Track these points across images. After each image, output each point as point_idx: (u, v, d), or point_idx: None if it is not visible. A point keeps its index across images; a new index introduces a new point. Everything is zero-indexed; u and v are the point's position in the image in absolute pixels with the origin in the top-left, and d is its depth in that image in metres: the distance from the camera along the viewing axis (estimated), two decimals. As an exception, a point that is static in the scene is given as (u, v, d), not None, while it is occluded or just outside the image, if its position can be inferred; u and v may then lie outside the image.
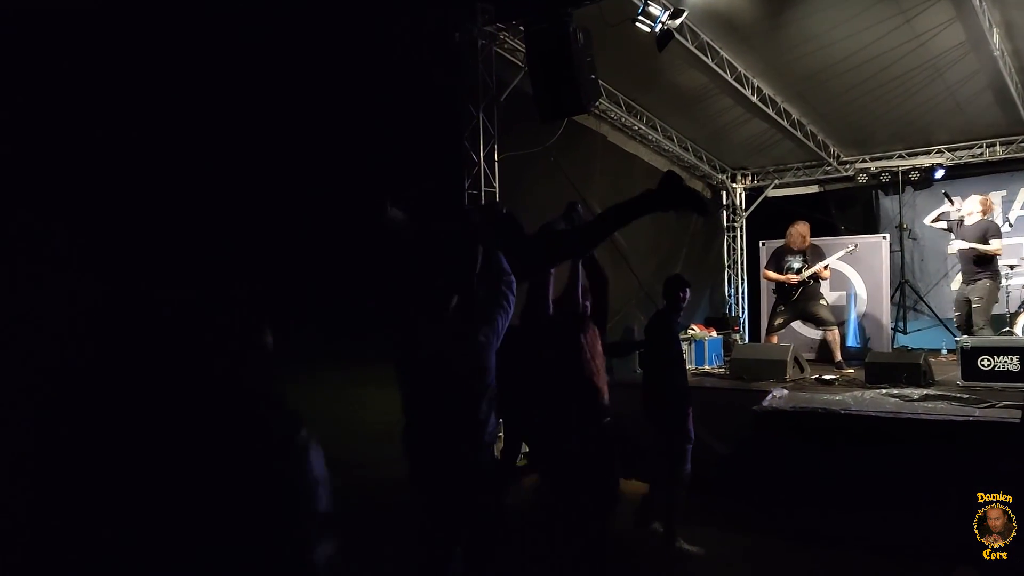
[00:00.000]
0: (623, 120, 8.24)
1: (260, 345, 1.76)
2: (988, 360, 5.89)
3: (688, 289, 4.52)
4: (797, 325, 8.21)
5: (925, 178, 9.36)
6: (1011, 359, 5.78)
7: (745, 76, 7.45)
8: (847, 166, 9.93)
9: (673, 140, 9.13)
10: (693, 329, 8.49)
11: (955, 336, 7.56)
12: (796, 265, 7.48)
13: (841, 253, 8.04)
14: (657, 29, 5.87)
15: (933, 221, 7.68)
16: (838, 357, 7.41)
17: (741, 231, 11.21)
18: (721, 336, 8.78)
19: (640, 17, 5.82)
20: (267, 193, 5.23)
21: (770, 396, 5.52)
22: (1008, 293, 7.86)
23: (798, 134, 8.74)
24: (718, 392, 6.37)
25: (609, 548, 3.56)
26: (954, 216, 7.39)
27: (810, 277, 7.40)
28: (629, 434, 4.44)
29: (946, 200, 7.55)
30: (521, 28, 6.34)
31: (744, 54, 7.15)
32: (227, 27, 4.69)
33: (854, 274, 9.11)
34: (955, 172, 9.34)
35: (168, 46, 4.33)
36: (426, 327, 2.76)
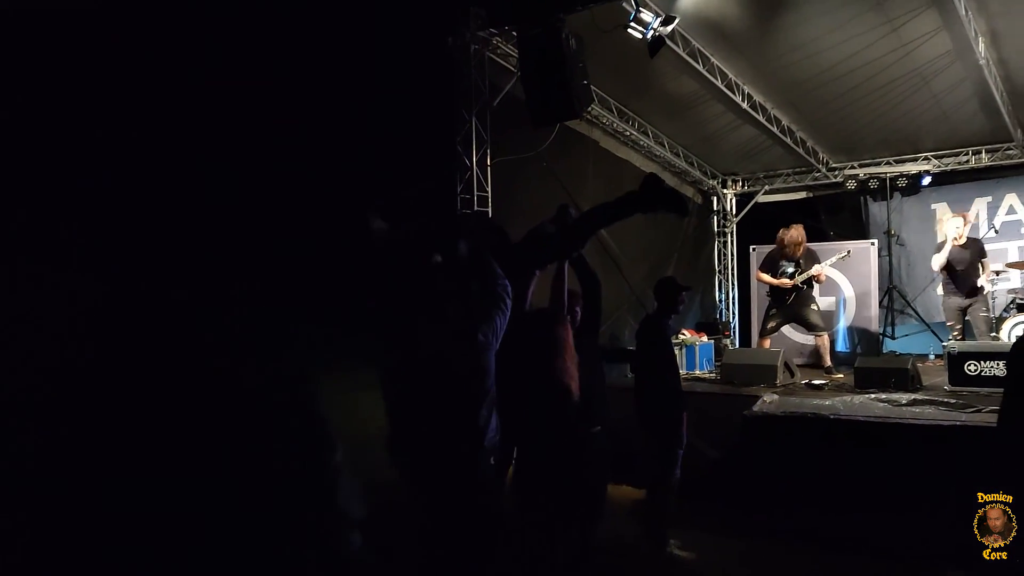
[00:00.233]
0: (615, 125, 8.28)
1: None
2: (975, 365, 5.95)
3: (684, 293, 4.53)
4: (787, 330, 8.28)
5: (912, 184, 9.46)
6: (997, 364, 5.84)
7: (736, 83, 7.51)
8: (836, 172, 10.02)
9: (664, 146, 9.19)
10: (684, 334, 8.54)
11: (942, 341, 7.67)
12: (790, 269, 7.53)
13: (834, 258, 8.10)
14: (649, 35, 5.91)
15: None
16: (828, 362, 7.47)
17: (732, 236, 11.28)
18: (712, 341, 8.83)
19: (632, 23, 5.86)
20: (258, 198, 5.22)
21: (760, 401, 5.56)
22: (994, 299, 7.96)
23: (788, 140, 8.82)
24: (709, 397, 6.40)
25: (593, 554, 3.56)
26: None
27: (805, 281, 7.45)
28: (622, 439, 4.47)
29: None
30: (514, 33, 6.37)
31: (735, 61, 7.21)
32: (222, 30, 4.69)
33: (843, 280, 9.19)
34: (942, 179, 9.46)
35: (164, 45, 4.33)
36: (423, 329, 2.73)
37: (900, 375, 6.08)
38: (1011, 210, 9.28)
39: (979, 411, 4.95)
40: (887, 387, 6.00)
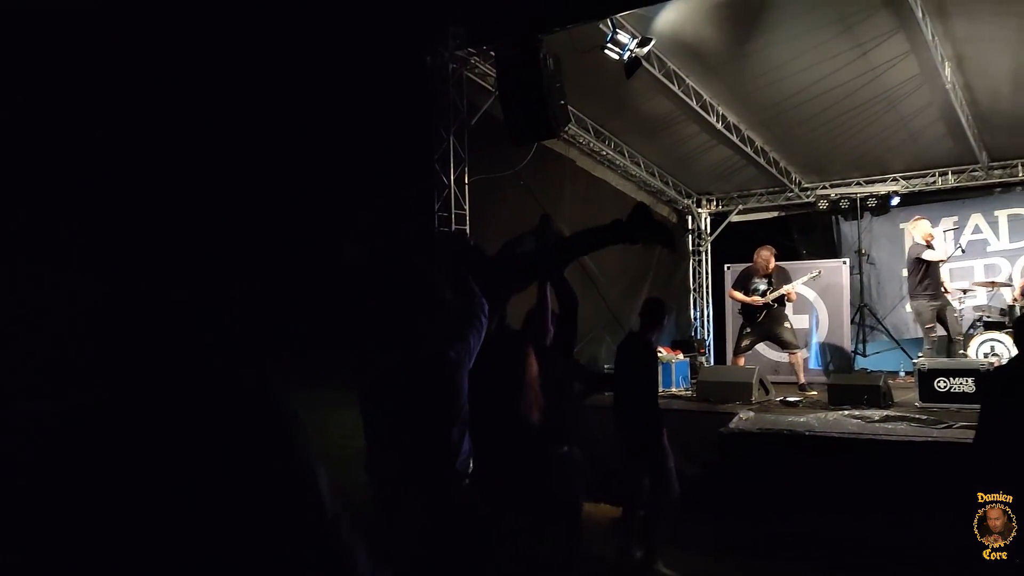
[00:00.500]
0: (591, 145, 8.36)
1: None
2: (944, 382, 6.06)
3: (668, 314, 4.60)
4: (762, 348, 8.36)
5: (882, 205, 9.65)
6: (966, 381, 5.95)
7: (710, 104, 7.63)
8: (808, 192, 10.20)
9: (640, 165, 9.29)
10: (660, 352, 8.58)
11: (912, 358, 7.80)
12: (762, 287, 7.62)
13: (806, 278, 8.22)
14: (625, 57, 6.01)
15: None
16: (802, 379, 7.55)
17: (706, 255, 11.39)
18: (688, 359, 8.88)
19: (609, 45, 5.95)
20: (233, 214, 5.19)
21: (737, 418, 5.60)
22: (962, 316, 8.13)
23: (761, 161, 8.97)
24: (686, 414, 6.43)
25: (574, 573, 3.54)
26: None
27: (776, 300, 7.54)
28: (599, 457, 4.47)
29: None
30: (492, 53, 6.43)
31: (710, 82, 7.34)
32: (208, 44, 4.68)
33: (816, 298, 9.32)
34: (909, 199, 9.66)
35: (156, 54, 4.31)
36: (394, 347, 2.72)
37: (872, 392, 6.16)
38: (976, 229, 9.50)
39: (950, 427, 5.04)
40: (860, 404, 6.07)
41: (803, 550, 4.30)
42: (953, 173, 9.31)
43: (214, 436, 0.99)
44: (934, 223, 9.41)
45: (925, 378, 6.09)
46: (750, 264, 7.88)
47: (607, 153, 8.65)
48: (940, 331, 7.59)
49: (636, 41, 5.95)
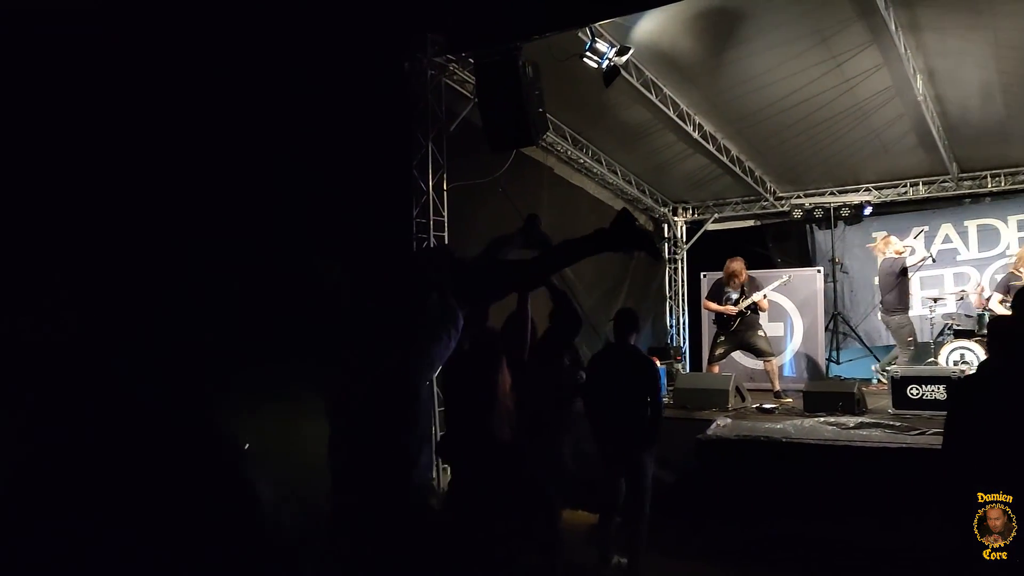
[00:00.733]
0: (569, 153, 8.38)
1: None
2: (917, 389, 6.15)
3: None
4: (737, 355, 8.41)
5: (855, 214, 9.79)
6: (938, 388, 6.05)
7: (687, 113, 7.69)
8: (783, 201, 10.32)
9: (617, 174, 9.33)
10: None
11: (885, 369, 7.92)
12: (734, 296, 7.68)
13: (776, 284, 8.31)
14: (604, 65, 6.03)
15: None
16: (777, 386, 7.61)
17: (682, 263, 11.47)
18: (664, 366, 8.92)
19: (588, 53, 5.97)
20: (202, 220, 5.12)
21: (714, 425, 5.63)
22: (932, 325, 8.27)
23: (737, 170, 9.05)
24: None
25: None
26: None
27: (748, 308, 7.60)
28: (576, 462, 4.46)
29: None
30: (471, 60, 6.42)
31: (687, 92, 7.40)
32: (182, 50, 4.62)
33: (791, 306, 9.42)
34: (882, 209, 9.82)
35: (115, 65, 4.24)
36: (358, 358, 2.70)
37: (847, 399, 6.23)
38: (947, 239, 9.68)
39: (923, 433, 5.10)
40: (835, 411, 6.14)
41: (784, 555, 4.32)
42: (924, 184, 9.48)
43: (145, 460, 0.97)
44: (905, 233, 9.61)
45: (898, 385, 6.18)
46: (722, 274, 7.94)
47: (585, 161, 8.68)
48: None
49: (615, 50, 5.97)
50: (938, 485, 3.04)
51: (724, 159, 8.69)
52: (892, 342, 8.20)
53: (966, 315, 8.24)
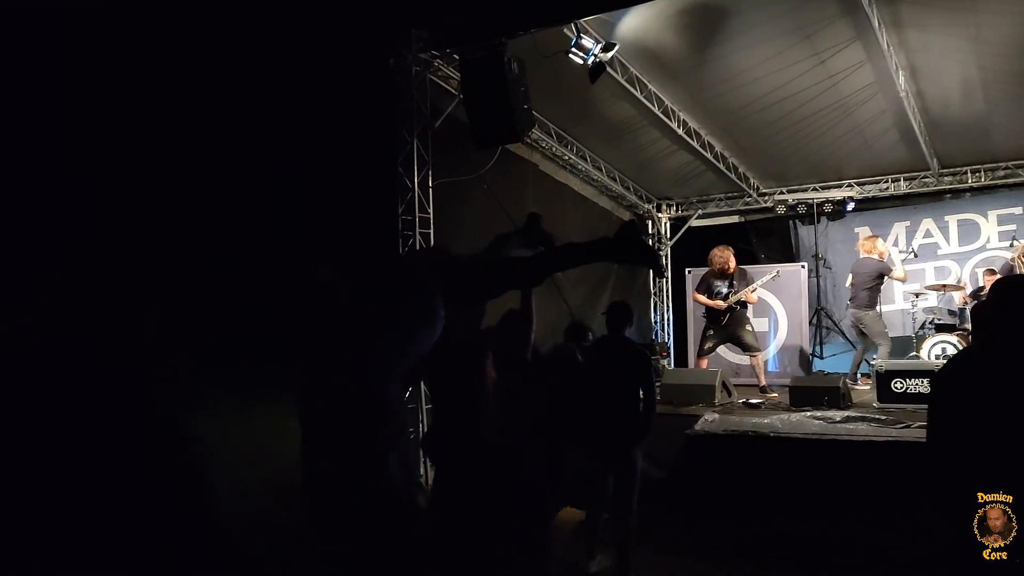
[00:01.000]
0: (554, 150, 8.37)
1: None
2: (901, 383, 6.20)
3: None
4: (722, 350, 8.45)
5: (838, 210, 9.87)
6: (922, 381, 6.10)
7: (672, 109, 7.70)
8: (766, 198, 10.37)
9: (602, 170, 9.33)
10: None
11: (869, 362, 7.98)
12: (724, 290, 7.71)
13: (765, 279, 8.35)
14: (590, 62, 6.01)
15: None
16: (763, 381, 7.66)
17: (666, 259, 11.49)
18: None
19: (573, 49, 5.96)
20: (181, 220, 5.06)
21: (702, 420, 5.64)
22: (914, 319, 8.34)
23: (721, 166, 9.08)
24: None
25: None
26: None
27: (737, 302, 7.63)
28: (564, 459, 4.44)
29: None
30: (455, 56, 6.38)
31: (671, 88, 7.40)
32: (163, 45, 4.55)
33: (776, 302, 9.47)
34: (864, 205, 9.90)
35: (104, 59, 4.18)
36: (328, 360, 2.67)
37: (832, 393, 6.27)
38: (928, 234, 9.78)
39: (908, 427, 5.15)
40: (820, 405, 6.18)
41: (776, 551, 4.34)
42: (905, 179, 9.56)
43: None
44: (887, 227, 9.72)
45: (883, 379, 6.22)
46: (711, 267, 7.96)
47: (569, 158, 8.67)
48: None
49: (600, 46, 5.96)
50: (926, 479, 3.05)
51: (708, 155, 8.71)
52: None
53: (948, 310, 8.33)
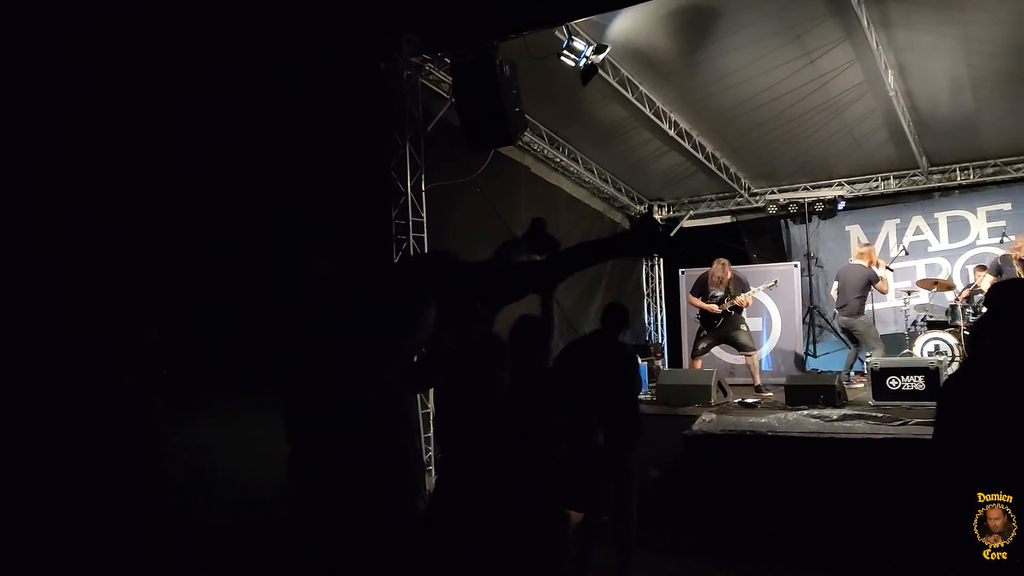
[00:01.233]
0: (546, 152, 8.37)
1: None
2: (896, 380, 6.22)
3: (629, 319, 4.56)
4: (717, 350, 8.47)
5: (829, 209, 9.92)
6: (916, 379, 6.13)
7: (663, 111, 7.72)
8: (757, 197, 10.40)
9: (593, 172, 9.34)
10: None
11: (863, 360, 8.01)
12: (719, 295, 7.72)
13: (763, 286, 8.36)
14: (582, 64, 6.02)
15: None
16: (758, 381, 7.67)
17: (659, 260, 11.51)
18: (645, 362, 8.94)
19: (565, 52, 5.95)
20: (183, 229, 5.03)
21: (700, 420, 5.64)
22: (907, 316, 8.39)
23: (712, 167, 9.10)
24: (646, 418, 6.43)
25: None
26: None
27: (732, 308, 7.65)
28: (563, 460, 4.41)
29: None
30: (446, 60, 6.37)
31: (662, 89, 7.42)
32: (151, 50, 4.53)
33: (769, 301, 9.50)
34: (855, 203, 9.95)
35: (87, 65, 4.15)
36: (315, 370, 2.65)
37: (828, 391, 6.29)
38: (918, 231, 9.84)
39: (905, 424, 5.16)
40: (816, 403, 6.19)
41: (777, 550, 4.34)
42: (895, 178, 9.62)
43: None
44: (877, 225, 9.78)
45: (878, 377, 6.25)
46: (707, 271, 7.98)
47: (561, 160, 8.67)
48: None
49: (592, 48, 5.96)
50: (927, 477, 3.05)
51: (699, 156, 8.73)
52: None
53: (941, 308, 8.37)
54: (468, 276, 3.08)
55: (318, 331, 2.74)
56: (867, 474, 4.51)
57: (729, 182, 9.73)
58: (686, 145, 8.37)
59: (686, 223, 11.14)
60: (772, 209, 10.33)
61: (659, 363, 9.86)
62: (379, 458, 2.64)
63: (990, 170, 9.17)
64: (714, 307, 7.69)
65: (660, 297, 11.53)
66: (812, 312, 9.69)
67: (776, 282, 8.56)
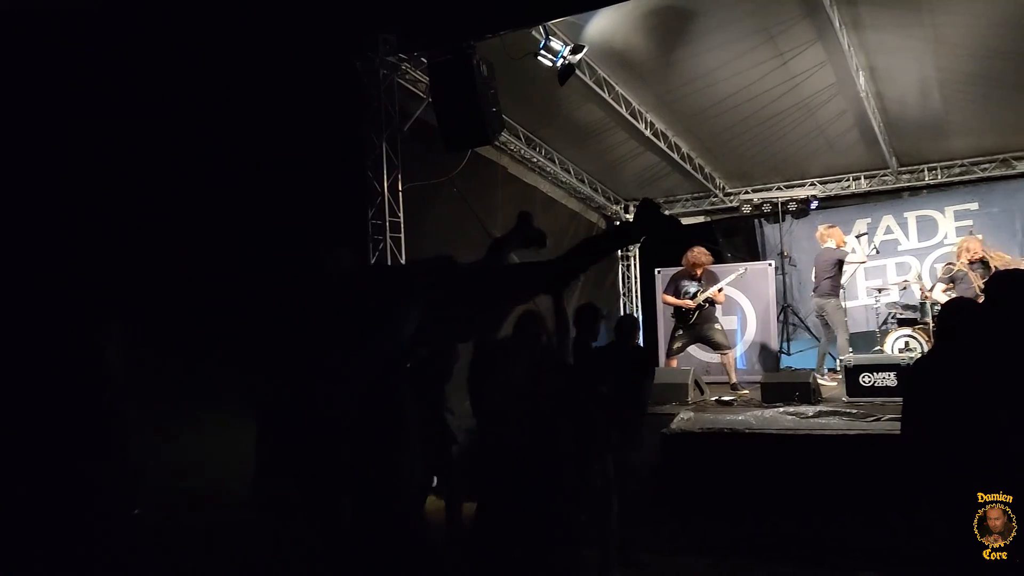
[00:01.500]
0: (522, 152, 8.37)
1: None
2: (869, 376, 6.32)
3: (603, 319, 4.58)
4: (693, 349, 8.52)
5: (802, 209, 10.03)
6: (889, 375, 6.23)
7: (639, 111, 7.76)
8: (732, 197, 10.50)
9: (570, 172, 9.37)
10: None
11: (834, 356, 8.12)
12: (692, 290, 7.77)
13: (732, 277, 8.46)
14: (559, 64, 6.03)
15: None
16: (734, 379, 7.74)
17: (635, 260, 11.58)
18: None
19: (542, 51, 5.96)
20: (152, 229, 4.96)
21: (678, 419, 5.68)
22: (877, 314, 8.51)
23: (687, 167, 9.17)
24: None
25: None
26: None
27: (705, 301, 7.71)
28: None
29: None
30: (423, 59, 6.35)
31: (638, 90, 7.46)
32: (126, 42, 4.45)
33: (743, 299, 9.59)
34: (827, 203, 10.10)
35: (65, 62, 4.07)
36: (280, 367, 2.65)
37: (803, 389, 6.36)
38: (888, 230, 9.99)
39: (878, 420, 5.24)
40: (792, 400, 6.26)
41: (755, 546, 4.37)
42: (866, 178, 9.78)
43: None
44: (849, 225, 9.88)
45: (851, 373, 6.33)
46: (680, 268, 8.04)
47: (538, 160, 8.68)
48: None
49: (569, 48, 5.98)
50: (902, 474, 3.09)
51: (675, 156, 8.79)
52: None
53: (910, 305, 8.50)
54: (477, 279, 3.05)
55: (289, 335, 2.71)
56: (842, 470, 4.57)
57: (704, 182, 9.81)
58: (662, 145, 8.42)
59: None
60: (746, 209, 10.43)
61: (636, 362, 9.88)
62: (353, 462, 2.61)
63: (957, 170, 9.36)
64: (688, 302, 7.74)
65: (636, 296, 11.59)
66: (786, 310, 9.80)
67: (745, 270, 8.68)
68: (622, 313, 11.51)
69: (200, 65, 4.93)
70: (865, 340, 8.76)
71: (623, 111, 7.50)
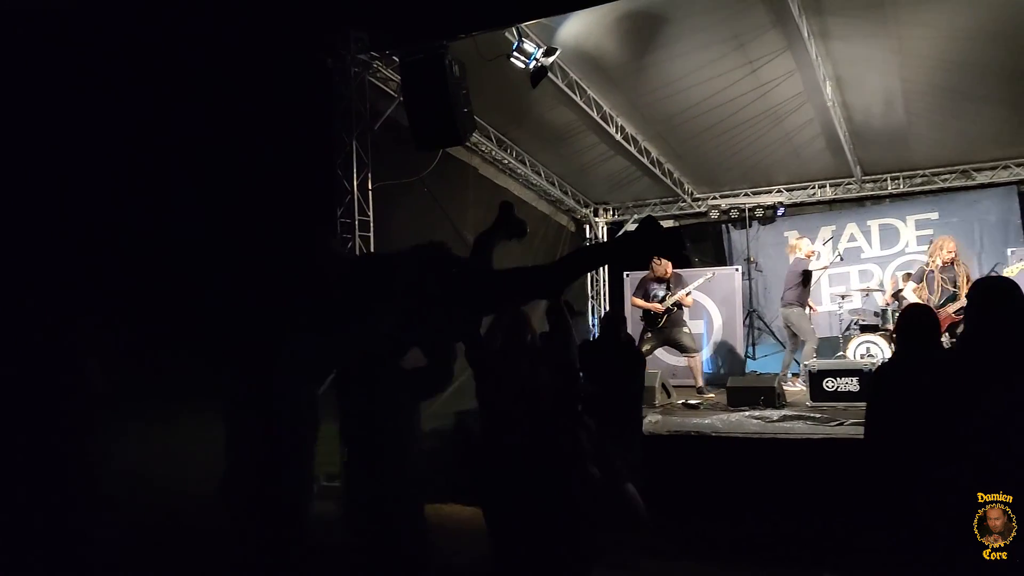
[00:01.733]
0: (493, 153, 8.35)
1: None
2: (832, 381, 6.41)
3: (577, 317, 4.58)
4: (659, 352, 8.57)
5: (769, 215, 10.17)
6: (851, 380, 6.33)
7: (610, 115, 7.79)
8: (700, 203, 10.61)
9: (540, 175, 9.37)
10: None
11: (797, 361, 8.23)
12: (661, 293, 7.83)
13: (700, 281, 8.55)
14: (531, 66, 6.03)
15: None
16: (700, 382, 7.80)
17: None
18: (589, 365, 8.99)
19: (515, 53, 5.96)
20: (116, 224, 4.84)
21: (645, 421, 5.69)
22: (841, 320, 8.66)
23: (656, 171, 9.24)
24: (592, 420, 6.49)
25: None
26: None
27: (674, 304, 7.77)
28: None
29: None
30: (395, 58, 6.30)
31: (610, 94, 7.49)
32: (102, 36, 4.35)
33: (710, 304, 9.68)
34: (793, 210, 10.25)
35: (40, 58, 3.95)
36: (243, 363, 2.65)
37: (768, 393, 6.43)
38: (852, 238, 10.16)
39: (841, 424, 5.32)
40: (757, 404, 6.33)
41: (722, 549, 4.39)
42: (831, 186, 9.95)
43: None
44: (814, 232, 10.06)
45: (815, 378, 6.42)
46: (649, 272, 8.08)
47: (509, 162, 8.67)
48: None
49: (542, 51, 5.98)
50: (863, 476, 3.13)
51: (645, 161, 8.85)
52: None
53: (873, 312, 8.65)
54: (477, 280, 3.04)
55: (253, 333, 2.68)
56: (806, 473, 4.63)
57: (673, 187, 9.89)
58: (632, 150, 8.47)
59: (630, 227, 11.27)
60: (714, 214, 10.54)
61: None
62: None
63: (919, 180, 9.56)
64: (657, 306, 7.79)
65: (604, 300, 11.63)
66: (752, 315, 9.92)
67: (713, 274, 8.80)
68: (591, 314, 11.56)
69: (169, 61, 4.83)
70: (829, 346, 8.89)
71: (594, 115, 7.53)
